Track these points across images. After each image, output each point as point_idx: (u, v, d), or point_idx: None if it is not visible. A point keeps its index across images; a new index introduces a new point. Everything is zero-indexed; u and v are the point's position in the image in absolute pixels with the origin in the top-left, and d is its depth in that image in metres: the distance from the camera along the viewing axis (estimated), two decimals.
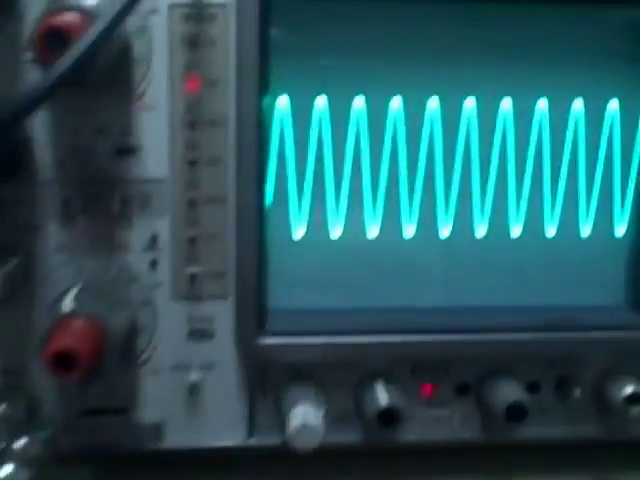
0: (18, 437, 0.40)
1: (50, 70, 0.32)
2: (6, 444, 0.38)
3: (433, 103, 0.44)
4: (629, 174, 0.46)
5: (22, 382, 0.43)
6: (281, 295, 0.45)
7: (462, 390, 0.47)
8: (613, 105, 0.45)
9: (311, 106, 0.44)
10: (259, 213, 0.43)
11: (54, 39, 0.34)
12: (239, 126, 0.42)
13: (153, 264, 0.43)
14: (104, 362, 0.38)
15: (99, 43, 0.33)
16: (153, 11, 0.41)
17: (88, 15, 0.35)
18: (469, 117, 0.45)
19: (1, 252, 0.41)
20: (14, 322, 0.43)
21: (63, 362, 0.36)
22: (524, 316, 0.46)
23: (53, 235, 0.42)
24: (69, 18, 0.34)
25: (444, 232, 0.46)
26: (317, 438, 0.40)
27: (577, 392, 0.47)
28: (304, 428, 0.40)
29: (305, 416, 0.41)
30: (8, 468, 0.37)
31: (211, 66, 0.42)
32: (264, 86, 0.42)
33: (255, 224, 0.43)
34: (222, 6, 0.41)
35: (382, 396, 0.43)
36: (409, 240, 0.46)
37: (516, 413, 0.44)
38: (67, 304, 0.39)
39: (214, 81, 0.42)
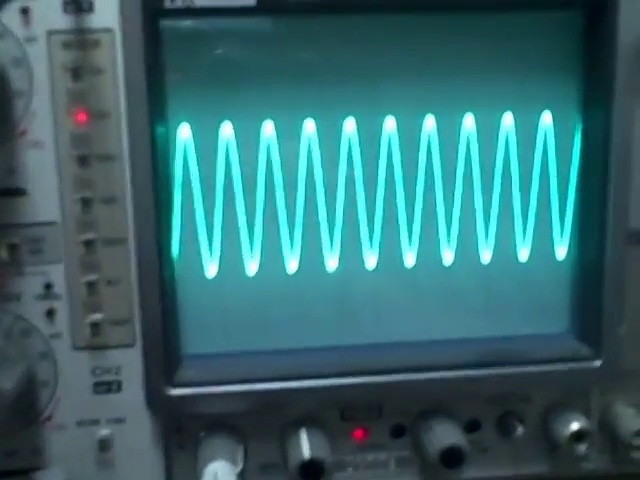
0: None
1: None
2: None
3: (350, 124, 0.40)
4: (567, 191, 0.42)
5: None
6: (195, 339, 0.41)
7: (397, 432, 0.43)
8: (546, 118, 0.41)
9: (216, 134, 0.39)
10: (162, 252, 0.39)
11: None
12: (132, 159, 0.37)
13: (49, 313, 0.40)
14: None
15: None
16: (30, 39, 0.37)
17: None
18: (389, 137, 0.40)
19: None
20: None
21: None
22: (461, 350, 0.42)
23: None
24: None
25: (370, 262, 0.42)
26: None
27: (520, 429, 0.42)
28: None
29: (217, 475, 0.37)
30: None
31: (99, 96, 0.37)
32: (158, 115, 0.37)
33: (158, 265, 0.39)
34: (106, 31, 0.37)
35: (305, 446, 0.39)
36: (332, 273, 0.42)
37: (452, 458, 0.40)
38: None
39: (103, 112, 0.38)
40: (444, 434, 0.41)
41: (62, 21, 0.37)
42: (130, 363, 0.40)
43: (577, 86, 0.41)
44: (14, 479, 0.41)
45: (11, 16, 0.36)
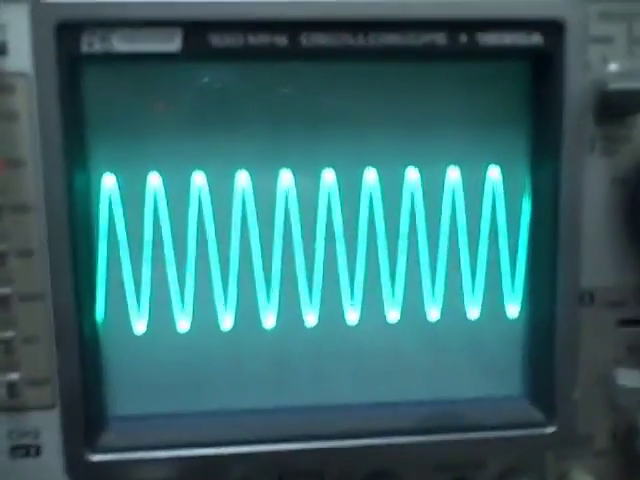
0: None
1: None
2: None
3: (286, 177, 0.38)
4: (517, 248, 0.39)
5: None
6: (121, 400, 0.38)
7: None
8: (493, 173, 0.39)
9: (143, 185, 0.37)
10: (82, 308, 0.36)
11: None
12: (48, 210, 0.35)
13: None
14: None
15: None
16: None
17: None
18: (329, 191, 0.38)
19: None
20: None
21: None
22: (406, 414, 0.40)
23: None
24: None
25: (310, 319, 0.39)
26: None
27: None
28: None
29: None
30: None
31: (14, 144, 0.35)
32: (78, 164, 0.35)
33: (77, 321, 0.36)
34: (21, 75, 0.34)
35: None
36: (270, 330, 0.39)
37: None
38: None
39: (19, 161, 0.35)
40: None
41: None
42: (49, 426, 0.38)
43: (525, 140, 0.39)
44: None
45: None
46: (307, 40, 0.35)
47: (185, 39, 0.34)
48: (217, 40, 0.34)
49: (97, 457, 0.37)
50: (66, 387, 0.37)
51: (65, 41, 0.33)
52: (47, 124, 0.34)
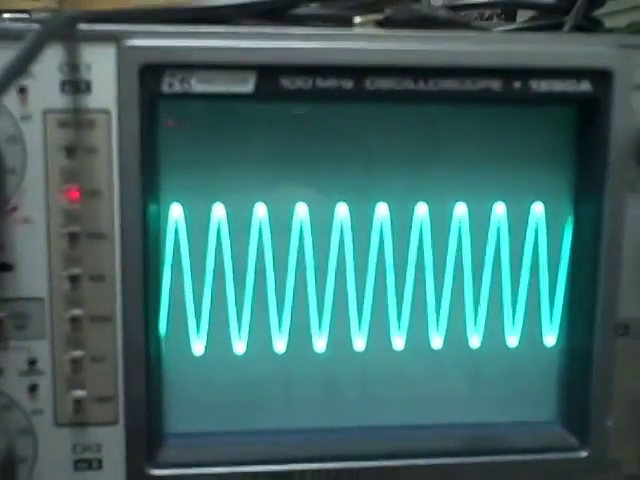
0: None
1: None
2: None
3: (342, 209, 0.39)
4: (557, 280, 0.41)
5: None
6: (179, 418, 0.40)
7: None
8: (537, 208, 0.40)
9: (208, 215, 0.38)
10: (149, 330, 0.37)
11: None
12: (123, 238, 0.36)
13: (32, 389, 0.38)
14: None
15: None
16: (25, 117, 0.36)
17: None
18: (381, 224, 0.40)
19: None
20: None
21: None
22: (446, 436, 0.41)
23: None
24: None
25: (358, 345, 0.41)
26: None
27: None
28: None
29: None
30: None
31: (92, 175, 0.36)
32: (151, 195, 0.36)
33: (144, 343, 0.37)
34: (103, 112, 0.36)
35: None
36: (321, 354, 0.40)
37: None
38: None
39: (96, 191, 0.36)
40: None
41: (59, 101, 0.36)
42: (112, 441, 0.39)
43: (569, 178, 0.40)
44: None
45: (8, 95, 0.35)
46: (371, 84, 0.36)
47: (258, 81, 0.35)
48: (288, 83, 0.36)
49: (157, 472, 0.38)
50: (131, 404, 0.38)
51: (148, 82, 0.35)
52: (127, 157, 0.35)
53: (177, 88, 0.35)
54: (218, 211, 0.39)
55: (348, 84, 0.36)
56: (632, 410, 0.42)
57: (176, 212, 0.39)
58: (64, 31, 0.33)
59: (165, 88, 0.35)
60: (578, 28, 0.50)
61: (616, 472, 0.43)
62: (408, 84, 0.36)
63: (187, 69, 0.35)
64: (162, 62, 0.35)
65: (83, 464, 0.39)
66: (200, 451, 0.40)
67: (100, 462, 0.39)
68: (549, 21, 0.51)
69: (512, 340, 0.42)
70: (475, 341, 0.42)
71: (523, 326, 0.42)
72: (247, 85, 0.35)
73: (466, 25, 0.42)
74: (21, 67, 0.30)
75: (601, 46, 0.38)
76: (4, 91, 0.29)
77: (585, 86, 0.38)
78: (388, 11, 0.40)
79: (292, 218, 0.39)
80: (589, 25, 0.51)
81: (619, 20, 0.56)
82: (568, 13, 0.49)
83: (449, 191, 0.40)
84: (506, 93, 0.37)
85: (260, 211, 0.39)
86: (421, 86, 0.37)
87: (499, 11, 0.73)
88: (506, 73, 0.37)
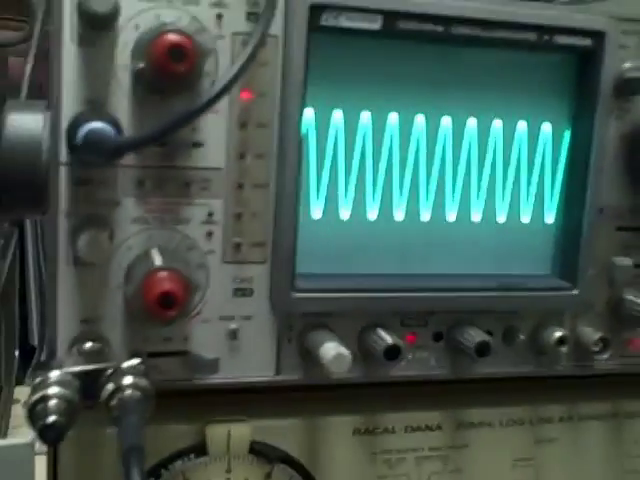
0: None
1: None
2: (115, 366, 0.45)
3: (420, 118, 0.54)
4: (557, 177, 0.57)
5: (99, 328, 0.49)
6: (309, 262, 0.53)
7: (437, 337, 0.56)
8: (546, 127, 0.56)
9: (330, 118, 0.52)
10: (295, 198, 0.50)
11: (177, 54, 0.42)
12: (281, 128, 0.49)
13: (209, 234, 0.50)
14: (186, 307, 0.45)
15: (244, 68, 0.41)
16: (220, 36, 0.48)
17: (190, 38, 0.43)
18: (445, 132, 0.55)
19: (97, 220, 0.47)
20: (95, 279, 0.49)
21: (164, 302, 0.43)
22: (480, 281, 0.56)
23: (130, 209, 0.49)
24: (183, 38, 0.42)
25: (425, 216, 0.56)
26: (348, 363, 0.49)
27: (519, 339, 0.57)
28: (339, 355, 0.49)
29: (337, 348, 0.49)
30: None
31: (261, 81, 0.49)
32: (305, 99, 0.50)
33: (292, 206, 0.50)
34: (273, 37, 0.49)
35: (387, 337, 0.52)
36: (400, 222, 0.55)
37: (484, 349, 0.54)
38: (157, 260, 0.46)
39: (263, 93, 0.49)
40: (477, 335, 0.55)
41: (244, 26, 0.49)
42: (261, 275, 0.51)
43: (571, 105, 0.57)
44: (170, 358, 0.51)
45: (209, 18, 0.48)
46: (455, 30, 0.51)
47: (383, 22, 0.50)
48: (402, 25, 0.50)
49: (296, 295, 0.52)
50: (277, 249, 0.51)
51: (312, 17, 0.48)
52: (291, 71, 0.48)
53: (330, 22, 0.49)
54: (336, 114, 0.53)
55: (440, 28, 0.51)
56: (602, 267, 0.59)
57: (309, 113, 0.52)
58: None
59: (322, 22, 0.49)
60: None
61: (591, 309, 0.59)
62: (477, 31, 0.52)
63: (339, 10, 0.49)
64: (323, 3, 0.49)
65: (240, 291, 0.52)
66: (323, 283, 0.53)
67: (252, 290, 0.52)
68: None
69: (525, 218, 0.58)
70: (502, 218, 0.58)
71: (533, 209, 0.58)
72: (376, 24, 0.50)
73: None
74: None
75: (598, 15, 0.54)
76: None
77: (588, 42, 0.54)
78: None
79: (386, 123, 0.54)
80: None
81: None
82: None
83: (490, 110, 0.56)
84: (538, 42, 0.53)
85: (365, 117, 0.53)
86: (485, 33, 0.52)
87: None
88: (540, 29, 0.53)
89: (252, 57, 0.43)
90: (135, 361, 0.46)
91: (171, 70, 0.43)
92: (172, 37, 0.43)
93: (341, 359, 0.49)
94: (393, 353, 0.52)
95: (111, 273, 0.49)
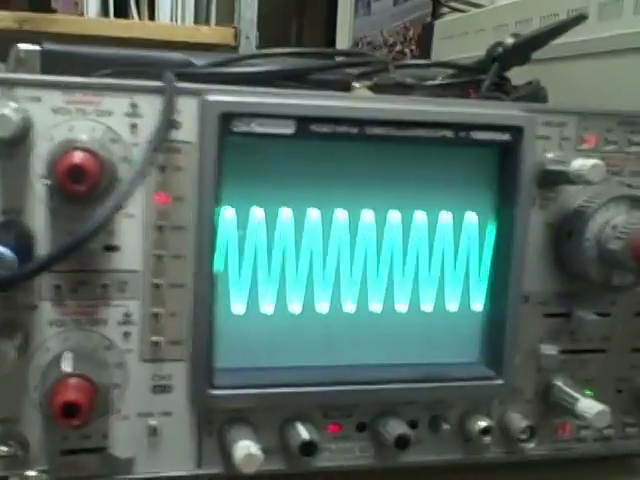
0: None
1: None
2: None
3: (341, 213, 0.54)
4: (483, 265, 0.57)
5: (16, 429, 0.50)
6: (227, 358, 0.54)
7: (361, 428, 0.56)
8: (472, 217, 0.57)
9: (249, 216, 0.53)
10: (210, 296, 0.51)
11: (76, 175, 0.42)
12: (198, 230, 0.50)
13: (126, 334, 0.51)
14: (95, 411, 0.46)
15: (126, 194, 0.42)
16: (135, 144, 0.49)
17: (92, 154, 0.44)
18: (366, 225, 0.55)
19: (8, 327, 0.48)
20: (12, 382, 0.49)
21: (68, 412, 0.44)
22: (406, 371, 0.56)
23: (47, 312, 0.49)
24: (83, 157, 0.43)
25: (349, 308, 0.56)
26: (258, 463, 0.49)
27: (446, 427, 0.57)
28: (249, 456, 0.49)
29: (249, 448, 0.50)
30: None
31: (178, 186, 0.50)
32: (219, 200, 0.51)
33: (207, 304, 0.51)
34: (187, 143, 0.50)
35: (303, 433, 0.53)
36: (324, 314, 0.55)
37: (402, 442, 0.54)
38: (66, 366, 0.47)
39: (179, 196, 0.50)
40: (397, 427, 0.55)
41: None
42: (179, 373, 0.52)
43: (494, 196, 0.57)
44: (88, 455, 0.52)
45: (124, 128, 0.49)
46: (370, 130, 0.52)
47: (297, 126, 0.50)
48: (316, 127, 0.51)
49: (214, 392, 0.52)
50: (195, 347, 0.52)
51: (222, 124, 0.49)
52: (205, 175, 0.49)
53: (243, 129, 0.50)
54: (257, 212, 0.53)
55: (354, 130, 0.52)
56: (529, 354, 0.59)
57: (229, 213, 0.53)
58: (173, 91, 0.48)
59: (234, 129, 0.50)
60: (493, 84, 0.67)
61: (520, 397, 0.60)
62: (392, 131, 0.52)
63: (249, 117, 0.50)
64: (232, 112, 0.49)
65: (159, 388, 0.53)
66: (242, 379, 0.54)
67: (170, 387, 0.53)
68: (471, 78, 0.68)
69: (452, 307, 0.58)
70: (428, 307, 0.58)
71: (460, 297, 0.58)
72: (289, 129, 0.50)
73: (421, 88, 0.59)
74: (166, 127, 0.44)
75: (516, 110, 0.55)
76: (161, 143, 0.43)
77: (506, 136, 0.54)
78: (376, 79, 0.56)
79: (307, 219, 0.54)
80: (500, 81, 0.69)
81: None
82: (484, 72, 0.67)
83: (412, 202, 0.56)
84: (455, 139, 0.53)
85: (285, 213, 0.54)
86: (401, 132, 0.52)
87: None
88: (457, 126, 0.53)
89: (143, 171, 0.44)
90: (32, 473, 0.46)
91: (72, 190, 0.43)
92: (71, 158, 0.43)
93: (251, 459, 0.50)
94: (308, 449, 0.52)
95: (29, 374, 0.50)
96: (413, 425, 0.57)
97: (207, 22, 1.75)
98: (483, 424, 0.56)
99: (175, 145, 0.50)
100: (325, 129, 0.50)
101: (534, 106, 0.55)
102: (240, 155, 0.51)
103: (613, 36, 0.72)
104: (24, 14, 1.43)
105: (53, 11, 1.64)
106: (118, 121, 0.48)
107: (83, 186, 0.43)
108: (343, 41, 1.84)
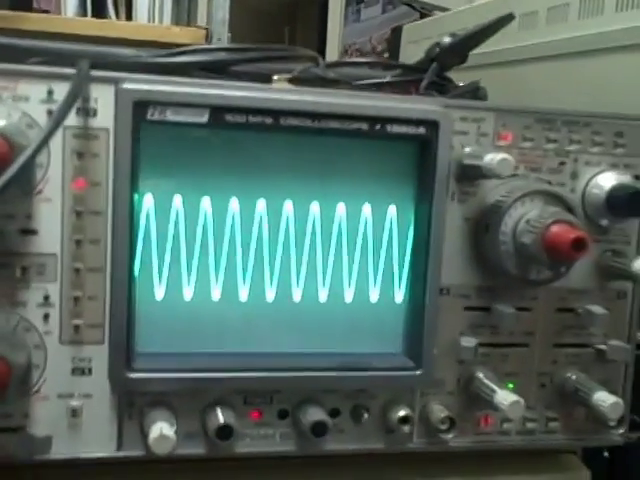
0: None
1: None
2: None
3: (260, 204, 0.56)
4: (405, 257, 0.58)
5: None
6: (146, 342, 0.55)
7: (282, 415, 0.57)
8: (392, 209, 0.58)
9: (170, 203, 0.54)
10: (128, 280, 0.52)
11: None
12: (114, 216, 0.52)
13: (46, 317, 0.52)
14: (8, 390, 0.47)
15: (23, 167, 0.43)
16: None
17: (3, 137, 0.46)
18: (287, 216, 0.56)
19: None
20: None
21: None
22: (326, 360, 0.57)
23: None
24: None
25: (270, 296, 0.57)
26: (171, 445, 0.50)
27: (366, 416, 0.58)
28: (161, 437, 0.50)
29: (162, 429, 0.51)
30: None
31: (94, 172, 0.52)
32: (134, 187, 0.52)
33: (125, 288, 0.52)
34: (104, 130, 0.51)
35: (220, 416, 0.54)
36: (244, 302, 0.57)
37: (319, 429, 0.55)
38: None
39: (96, 182, 0.52)
40: (315, 414, 0.56)
41: (75, 120, 0.51)
42: (99, 355, 0.53)
43: (413, 190, 0.58)
44: (7, 434, 0.53)
45: (40, 114, 0.50)
46: (284, 121, 0.53)
47: (210, 116, 0.52)
48: (230, 117, 0.52)
49: (131, 375, 0.54)
50: (114, 330, 0.53)
51: (136, 112, 0.51)
52: (120, 161, 0.51)
53: (157, 117, 0.51)
54: (177, 200, 0.55)
55: (269, 120, 0.53)
56: (450, 346, 0.60)
57: (148, 200, 0.54)
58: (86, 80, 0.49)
59: (149, 117, 0.51)
60: (432, 83, 0.68)
61: (440, 388, 0.60)
62: (307, 122, 0.54)
63: (164, 105, 0.51)
64: (147, 99, 0.51)
65: (78, 371, 0.54)
66: (161, 363, 0.55)
67: (90, 370, 0.54)
68: (411, 77, 0.70)
69: (374, 296, 0.59)
70: (349, 297, 0.59)
71: (381, 287, 0.59)
72: (203, 118, 0.52)
73: (345, 82, 0.60)
74: (66, 109, 0.46)
75: (433, 105, 0.56)
76: (56, 129, 0.45)
77: (422, 130, 0.55)
78: (295, 72, 0.57)
79: (227, 211, 0.56)
80: (442, 82, 0.70)
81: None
82: (425, 72, 0.68)
83: (333, 194, 0.57)
84: (370, 132, 0.55)
85: (205, 201, 0.55)
86: (315, 124, 0.54)
87: None
88: (371, 119, 0.54)
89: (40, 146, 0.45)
90: None
91: None
92: None
93: (163, 440, 0.51)
94: (225, 432, 0.53)
95: None
96: (335, 414, 0.58)
97: (188, 24, 1.78)
98: (402, 413, 0.57)
99: (92, 132, 0.51)
100: (239, 119, 0.52)
101: (450, 101, 0.56)
102: (159, 142, 0.53)
103: (593, 34, 0.72)
104: None
105: (33, 10, 1.68)
106: (34, 107, 0.50)
107: None
108: (333, 48, 1.86)
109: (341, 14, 1.86)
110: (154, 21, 1.75)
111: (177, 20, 1.79)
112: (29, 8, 1.67)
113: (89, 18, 1.69)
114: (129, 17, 1.75)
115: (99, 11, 1.73)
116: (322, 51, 2.00)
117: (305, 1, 2.16)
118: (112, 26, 1.59)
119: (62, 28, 1.48)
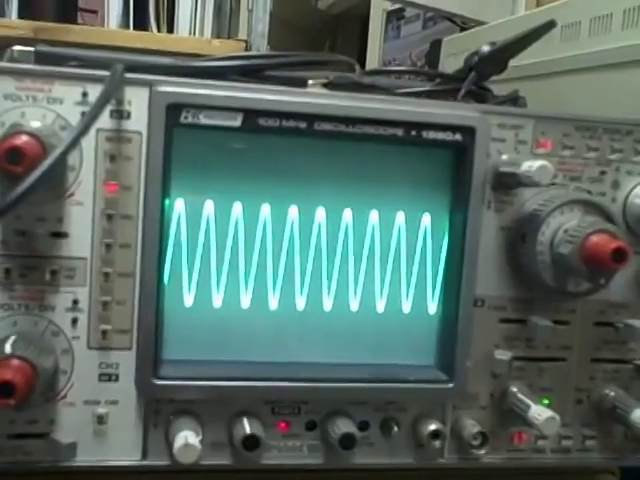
0: None
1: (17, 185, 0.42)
2: None
3: (293, 210, 0.55)
4: (438, 266, 0.57)
5: None
6: (174, 349, 0.54)
7: (310, 426, 0.56)
8: (426, 218, 0.57)
9: (201, 208, 0.54)
10: (157, 286, 0.52)
11: (14, 156, 0.43)
12: (145, 220, 0.51)
13: (74, 321, 0.51)
14: (34, 394, 0.47)
15: (53, 166, 0.43)
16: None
17: (36, 139, 0.45)
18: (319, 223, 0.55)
19: None
20: None
21: (4, 391, 0.45)
22: (360, 371, 0.56)
23: None
24: (25, 140, 0.44)
25: (300, 304, 0.56)
26: (196, 454, 0.49)
27: (396, 430, 0.57)
28: (186, 446, 0.49)
29: (187, 438, 0.50)
30: None
31: (127, 175, 0.51)
32: (165, 192, 0.52)
33: (154, 294, 0.51)
34: (137, 132, 0.51)
35: (247, 426, 0.53)
36: (274, 310, 0.56)
37: (347, 442, 0.54)
38: (7, 348, 0.48)
39: (128, 186, 0.51)
40: (343, 426, 0.55)
41: (108, 123, 0.51)
42: (126, 362, 0.52)
43: (447, 199, 0.57)
44: (33, 440, 0.53)
45: (73, 116, 0.50)
46: (318, 126, 0.52)
47: (244, 119, 0.51)
48: (263, 121, 0.52)
49: (158, 382, 0.53)
50: (142, 336, 0.52)
51: (169, 115, 0.50)
52: (152, 165, 0.50)
53: (190, 120, 0.51)
54: (208, 205, 0.54)
55: (302, 125, 0.52)
56: (485, 359, 0.58)
57: (179, 205, 0.54)
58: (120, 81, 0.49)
59: (182, 120, 0.51)
60: (471, 92, 0.67)
61: (473, 402, 0.59)
62: (341, 127, 0.53)
63: (197, 108, 0.51)
64: (180, 102, 0.50)
65: (105, 377, 0.53)
66: (187, 370, 0.54)
67: (117, 376, 0.54)
68: (450, 86, 0.68)
69: (406, 307, 0.58)
70: (381, 306, 0.58)
71: (414, 299, 0.58)
72: (236, 121, 0.51)
73: (382, 89, 0.59)
74: (98, 111, 0.46)
75: (470, 111, 0.55)
76: (87, 129, 0.44)
77: (458, 137, 0.54)
78: (331, 77, 0.57)
79: (259, 216, 0.55)
80: (480, 91, 0.69)
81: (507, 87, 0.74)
82: (464, 82, 0.67)
83: (366, 201, 0.56)
84: (405, 138, 0.54)
85: (237, 207, 0.55)
86: (350, 129, 0.53)
87: None
88: (406, 124, 0.54)
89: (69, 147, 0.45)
90: None
91: (9, 171, 0.44)
92: (13, 140, 0.44)
93: (188, 449, 0.50)
94: (251, 443, 0.52)
95: None
96: (364, 427, 0.57)
97: (229, 37, 1.79)
98: (433, 427, 0.56)
99: (125, 135, 0.51)
100: (272, 123, 0.51)
101: (487, 107, 0.55)
102: (192, 146, 0.52)
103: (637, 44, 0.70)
104: (41, 23, 1.49)
105: (76, 22, 1.71)
106: (68, 109, 0.50)
107: (20, 167, 0.44)
108: (373, 64, 1.86)
109: (381, 30, 1.85)
110: (195, 34, 1.76)
111: (218, 33, 1.80)
112: (74, 20, 1.69)
113: (130, 30, 1.71)
114: (170, 30, 1.76)
115: (141, 23, 1.75)
116: (362, 67, 1.99)
117: (346, 17, 2.16)
118: (153, 38, 1.61)
119: (103, 40, 1.50)
